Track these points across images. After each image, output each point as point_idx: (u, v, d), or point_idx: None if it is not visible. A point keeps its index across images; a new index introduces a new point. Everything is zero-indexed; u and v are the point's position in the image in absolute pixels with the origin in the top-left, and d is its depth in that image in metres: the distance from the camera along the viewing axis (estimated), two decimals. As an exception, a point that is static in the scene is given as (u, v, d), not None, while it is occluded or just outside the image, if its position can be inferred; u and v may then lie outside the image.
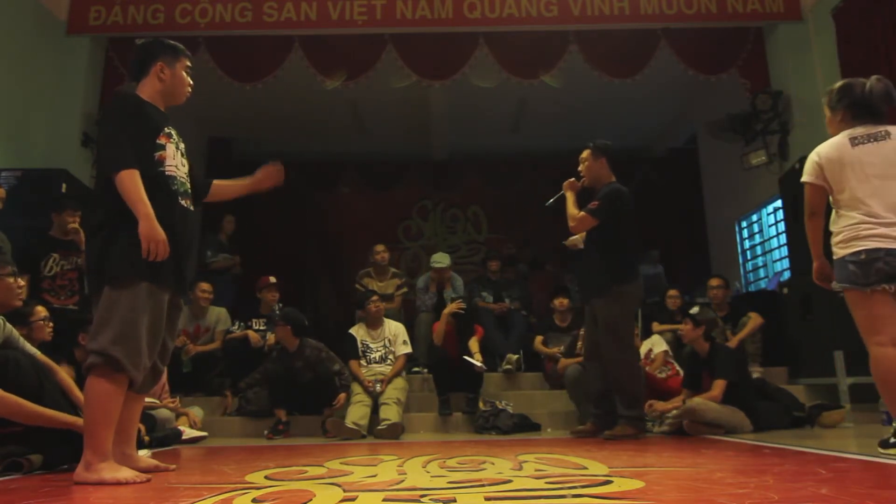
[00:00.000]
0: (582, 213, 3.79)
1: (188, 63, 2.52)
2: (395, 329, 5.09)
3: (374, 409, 4.53)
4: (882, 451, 2.37)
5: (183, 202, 2.35)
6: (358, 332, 5.06)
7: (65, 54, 5.81)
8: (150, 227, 2.14)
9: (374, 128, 8.39)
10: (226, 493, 1.77)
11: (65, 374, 2.74)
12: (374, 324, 5.07)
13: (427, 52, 6.05)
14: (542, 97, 6.95)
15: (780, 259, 6.60)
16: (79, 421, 2.35)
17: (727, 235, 7.61)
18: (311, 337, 4.84)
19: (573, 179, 4.00)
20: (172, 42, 2.50)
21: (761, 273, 7.08)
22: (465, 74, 6.08)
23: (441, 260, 5.83)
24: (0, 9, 5.12)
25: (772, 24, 5.96)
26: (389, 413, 4.40)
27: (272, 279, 5.49)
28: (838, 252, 2.48)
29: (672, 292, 5.75)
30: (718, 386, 3.82)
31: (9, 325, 2.66)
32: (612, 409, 3.76)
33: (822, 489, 1.62)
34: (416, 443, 3.87)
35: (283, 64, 5.96)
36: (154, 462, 2.40)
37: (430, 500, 1.61)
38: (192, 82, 2.53)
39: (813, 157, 2.57)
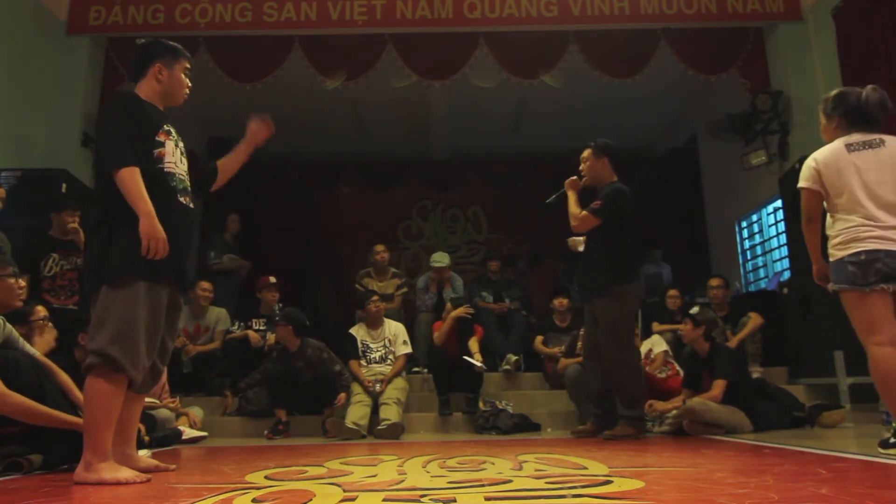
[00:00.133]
0: (584, 212, 3.79)
1: (187, 65, 2.52)
2: (395, 329, 5.09)
3: (374, 409, 4.53)
4: (882, 451, 2.38)
5: (182, 199, 2.36)
6: (358, 332, 5.06)
7: (65, 54, 5.80)
8: (151, 226, 2.14)
9: (374, 128, 8.39)
10: (226, 493, 1.77)
11: (65, 374, 2.74)
12: (374, 324, 5.07)
13: (427, 52, 6.05)
14: (542, 97, 6.94)
15: (780, 259, 6.59)
16: (81, 421, 2.35)
17: (727, 235, 7.61)
18: (312, 337, 4.84)
19: (575, 178, 3.98)
20: (172, 43, 2.50)
21: (761, 273, 7.08)
22: (465, 74, 6.08)
23: (441, 259, 5.84)
24: (0, 9, 5.12)
25: (772, 24, 5.96)
26: (389, 413, 4.40)
27: (272, 279, 5.49)
28: (836, 254, 2.52)
29: (672, 292, 5.76)
30: (718, 386, 3.82)
31: (9, 326, 2.66)
32: (612, 409, 3.76)
33: (822, 489, 1.62)
34: (416, 443, 3.87)
35: (283, 64, 5.95)
36: (154, 462, 2.40)
37: (430, 500, 1.61)
38: (190, 84, 2.53)
39: (810, 163, 2.61)
